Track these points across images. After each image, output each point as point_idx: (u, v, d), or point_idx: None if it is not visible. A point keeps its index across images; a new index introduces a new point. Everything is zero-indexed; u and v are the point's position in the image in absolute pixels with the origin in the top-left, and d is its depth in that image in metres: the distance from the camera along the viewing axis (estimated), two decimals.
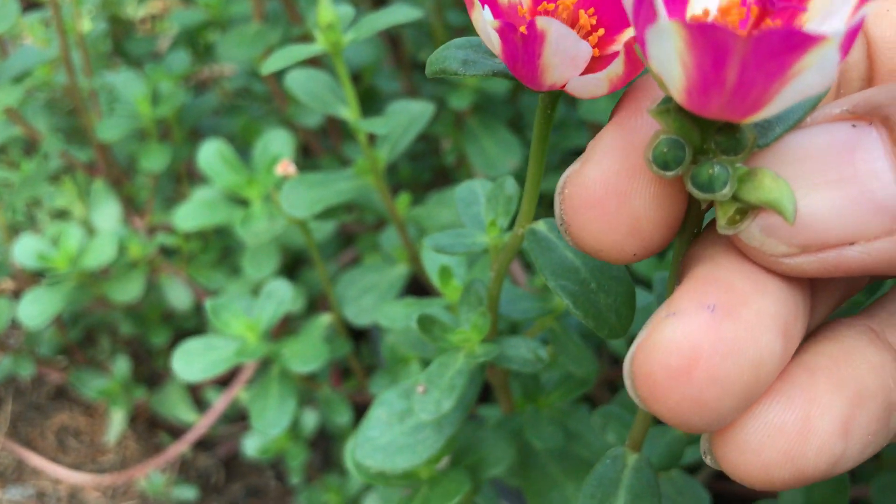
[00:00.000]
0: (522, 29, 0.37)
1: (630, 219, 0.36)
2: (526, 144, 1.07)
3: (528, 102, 1.11)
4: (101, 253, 1.10)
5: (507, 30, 0.37)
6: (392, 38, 1.29)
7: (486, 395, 0.99)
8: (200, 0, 1.29)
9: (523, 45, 0.37)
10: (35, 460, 1.32)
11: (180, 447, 1.25)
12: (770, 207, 0.32)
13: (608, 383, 1.03)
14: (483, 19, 0.37)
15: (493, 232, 0.57)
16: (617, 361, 1.07)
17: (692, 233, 0.39)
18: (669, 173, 0.33)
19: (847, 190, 0.32)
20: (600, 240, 0.36)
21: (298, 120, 1.12)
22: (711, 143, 0.34)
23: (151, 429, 1.43)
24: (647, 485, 0.48)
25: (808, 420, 0.34)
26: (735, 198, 0.33)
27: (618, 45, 0.41)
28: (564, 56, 0.37)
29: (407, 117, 0.81)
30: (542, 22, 0.35)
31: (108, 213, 1.19)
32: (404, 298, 0.75)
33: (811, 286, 0.38)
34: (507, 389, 0.73)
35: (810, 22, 0.34)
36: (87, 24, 1.37)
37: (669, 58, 0.29)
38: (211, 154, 0.99)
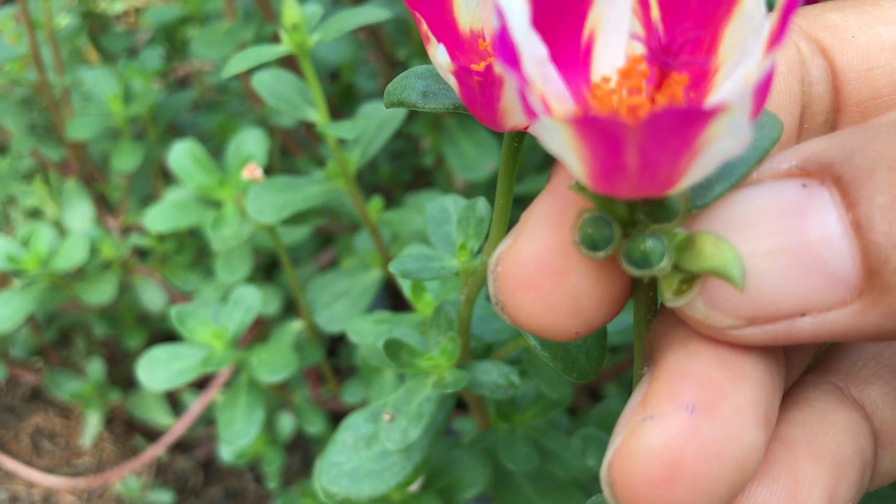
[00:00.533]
0: (481, 66, 0.35)
1: (569, 298, 0.33)
2: None
3: None
4: (72, 254, 1.07)
5: (462, 73, 0.35)
6: (375, 35, 1.27)
7: (461, 404, 0.97)
8: None
9: (480, 88, 0.35)
10: (9, 464, 1.30)
11: (156, 450, 1.23)
12: (716, 275, 0.30)
13: (590, 390, 1.01)
14: (438, 59, 0.35)
15: (464, 256, 0.54)
16: None
17: (647, 303, 0.36)
18: (600, 254, 0.31)
19: (798, 258, 0.30)
20: (538, 321, 0.34)
21: (274, 120, 1.09)
22: (640, 213, 0.31)
23: (128, 431, 1.41)
24: None
25: (795, 500, 0.33)
26: (677, 268, 0.31)
27: None
28: None
29: (379, 119, 0.79)
30: (500, 67, 0.33)
31: (80, 213, 1.17)
32: (375, 313, 0.72)
33: (784, 350, 0.36)
34: (482, 407, 0.71)
35: (724, 65, 0.32)
36: (62, 19, 1.34)
37: (563, 151, 0.27)
38: (182, 154, 0.96)
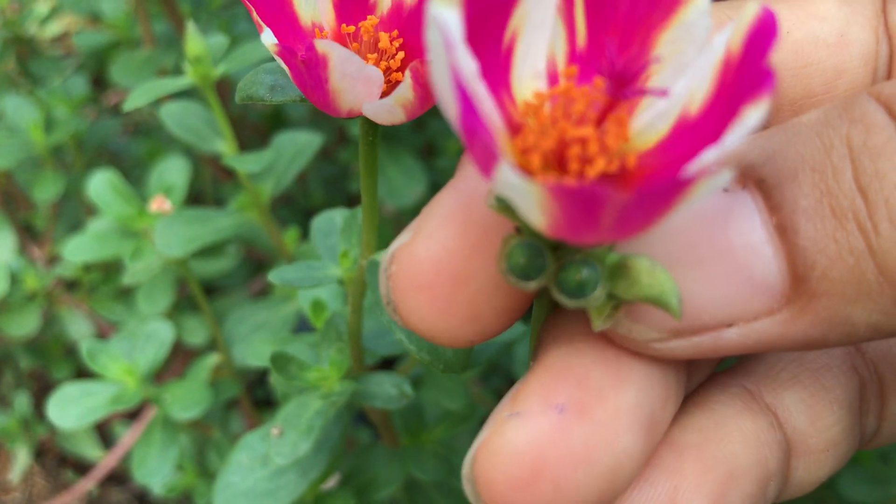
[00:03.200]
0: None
1: (467, 306, 0.31)
2: (433, 172, 1.05)
3: (437, 129, 1.08)
4: None
5: (286, 54, 0.34)
6: None
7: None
8: (106, 20, 1.25)
9: (307, 69, 0.35)
10: None
11: (87, 484, 1.21)
12: (653, 304, 0.28)
13: None
14: (265, 42, 0.35)
15: (346, 263, 0.53)
16: (513, 382, 1.04)
17: (548, 308, 0.34)
18: (532, 284, 0.29)
19: (721, 267, 0.29)
20: (432, 326, 0.31)
21: (199, 147, 1.08)
22: None
23: (60, 464, 1.37)
24: None
25: None
26: (611, 296, 0.29)
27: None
28: (353, 80, 0.35)
29: (293, 149, 0.78)
30: (321, 45, 0.33)
31: (2, 243, 1.14)
32: (277, 335, 0.71)
33: None
34: (389, 426, 0.71)
35: (661, 74, 0.30)
36: None
37: (528, 206, 0.25)
38: (101, 184, 0.94)
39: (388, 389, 0.57)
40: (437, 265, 0.30)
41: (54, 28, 1.75)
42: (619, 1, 0.30)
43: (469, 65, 0.26)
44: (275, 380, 0.71)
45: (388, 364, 0.80)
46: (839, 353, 0.39)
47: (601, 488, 0.28)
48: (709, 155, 0.24)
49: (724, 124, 0.26)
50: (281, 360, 0.55)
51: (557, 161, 0.29)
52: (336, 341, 0.56)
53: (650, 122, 0.30)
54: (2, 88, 1.33)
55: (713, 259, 0.29)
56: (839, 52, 0.41)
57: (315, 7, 0.39)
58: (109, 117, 1.41)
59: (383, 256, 0.33)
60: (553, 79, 0.32)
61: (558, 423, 0.28)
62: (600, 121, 0.29)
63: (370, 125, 0.40)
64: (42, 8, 1.45)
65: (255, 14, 0.35)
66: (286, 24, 0.38)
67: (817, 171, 0.28)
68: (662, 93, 0.29)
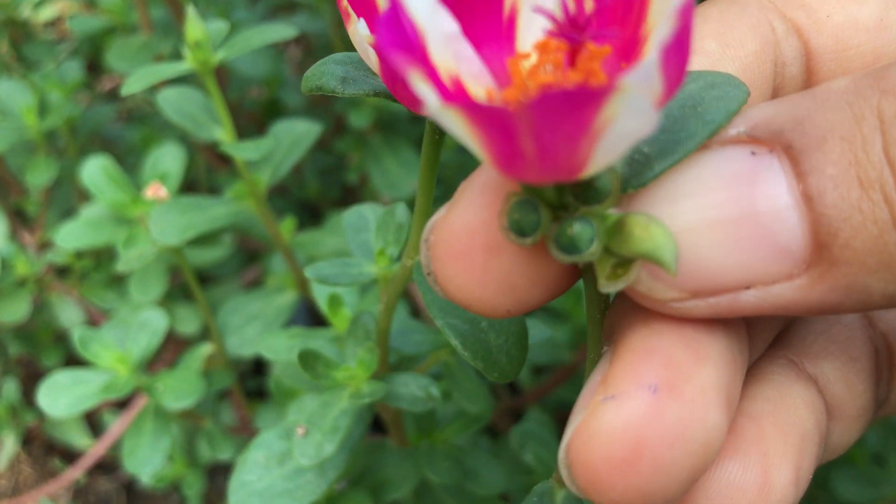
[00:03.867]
0: None
1: (501, 275, 0.32)
2: None
3: None
4: None
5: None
6: (305, 49, 1.25)
7: (378, 425, 0.95)
8: (101, 4, 1.24)
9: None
10: None
11: (74, 473, 1.20)
12: (647, 259, 0.28)
13: (512, 412, 1.00)
14: (359, 34, 0.34)
15: (382, 262, 0.53)
16: (517, 391, 1.04)
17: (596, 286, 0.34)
18: (528, 240, 0.30)
19: (746, 231, 0.29)
20: (468, 294, 0.32)
21: (196, 134, 1.07)
22: (569, 196, 0.30)
23: (48, 452, 1.36)
24: None
25: (766, 476, 0.33)
26: (609, 252, 0.30)
27: None
28: None
29: (291, 138, 0.77)
30: (383, 53, 0.32)
31: None
32: (289, 329, 0.71)
33: (747, 325, 0.35)
34: (400, 425, 0.70)
35: (653, 32, 0.30)
36: None
37: (462, 137, 0.26)
38: (95, 171, 0.93)
39: (414, 391, 0.56)
40: (471, 235, 0.31)
41: (48, 12, 1.73)
42: None
43: (445, 22, 0.28)
44: (279, 375, 0.70)
45: None
46: (858, 326, 0.40)
47: (696, 464, 0.29)
48: (627, 72, 0.24)
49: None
50: (308, 358, 0.54)
51: None
52: (365, 340, 0.55)
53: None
54: None
55: (736, 222, 0.29)
56: (878, 36, 0.41)
57: None
58: (104, 103, 1.40)
59: (424, 229, 0.34)
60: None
61: (653, 402, 0.29)
62: (571, 67, 0.30)
63: (440, 139, 0.40)
64: None
65: (343, 2, 0.35)
66: (366, 10, 0.37)
67: (846, 139, 0.28)
68: (607, 37, 0.29)
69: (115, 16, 1.24)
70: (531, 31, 0.32)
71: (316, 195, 1.18)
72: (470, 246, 0.31)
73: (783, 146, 0.29)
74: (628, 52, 0.31)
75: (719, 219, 0.29)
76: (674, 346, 0.31)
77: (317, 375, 0.56)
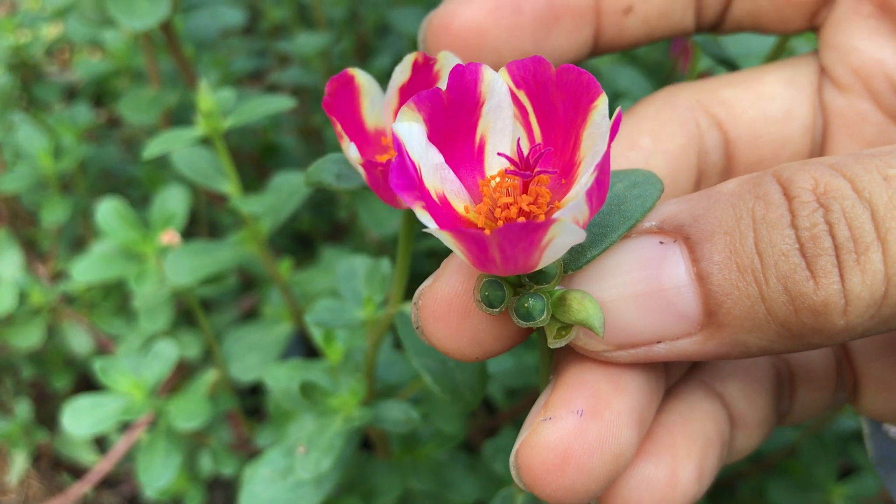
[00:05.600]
0: (383, 159, 0.45)
1: (470, 332, 0.42)
2: None
3: None
4: (0, 302, 1.13)
5: (369, 166, 0.44)
6: (295, 94, 1.35)
7: (366, 443, 1.05)
8: (107, 50, 1.34)
9: (383, 177, 0.45)
10: None
11: (82, 487, 1.28)
12: (582, 325, 0.38)
13: (488, 430, 1.10)
14: (351, 155, 0.45)
15: (370, 308, 0.64)
16: (492, 411, 1.14)
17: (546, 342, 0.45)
18: (495, 310, 0.40)
19: (655, 301, 0.39)
20: (447, 345, 0.42)
21: (205, 186, 1.16)
22: (525, 278, 0.40)
23: (55, 468, 1.45)
24: None
25: (675, 472, 0.44)
26: (555, 319, 0.40)
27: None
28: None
29: (289, 188, 0.87)
30: (398, 194, 0.42)
31: (10, 261, 1.22)
32: (289, 360, 0.80)
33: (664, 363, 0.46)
34: (385, 443, 0.80)
35: (584, 159, 0.40)
36: None
37: (451, 246, 0.36)
38: (108, 211, 1.03)
39: (396, 414, 0.66)
40: (448, 303, 0.41)
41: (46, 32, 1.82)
42: (557, 109, 0.41)
43: (434, 156, 0.39)
44: (277, 398, 0.80)
45: None
46: None
47: (611, 469, 0.40)
48: (563, 209, 0.35)
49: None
50: (307, 388, 0.65)
51: (493, 219, 0.40)
52: (355, 372, 0.66)
53: (577, 190, 0.41)
54: (6, 111, 1.41)
55: (649, 295, 0.39)
56: (785, 126, 0.53)
57: (378, 116, 0.50)
58: (108, 139, 1.49)
59: (415, 294, 0.44)
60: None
61: (578, 424, 0.40)
62: (524, 192, 0.40)
63: (414, 218, 0.50)
64: (47, 33, 1.53)
65: (338, 127, 0.45)
66: (355, 129, 0.48)
67: (728, 234, 0.37)
68: (549, 171, 0.40)
69: (120, 60, 1.34)
70: (495, 157, 0.43)
71: (308, 228, 1.28)
72: (448, 311, 0.41)
73: (683, 237, 0.39)
74: (566, 172, 0.41)
75: (635, 293, 0.39)
76: (599, 380, 0.41)
77: (314, 402, 0.66)
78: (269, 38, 1.50)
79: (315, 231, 1.30)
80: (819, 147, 0.53)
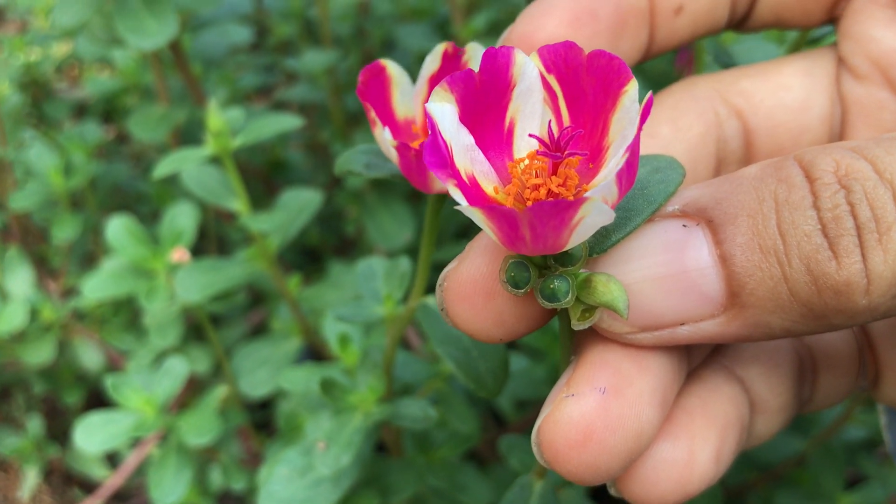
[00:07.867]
0: (416, 144, 0.46)
1: (494, 313, 0.42)
2: (422, 216, 1.15)
3: None
4: (12, 319, 1.14)
5: (403, 149, 0.46)
6: (302, 110, 1.36)
7: (379, 447, 1.05)
8: (117, 68, 1.35)
9: (416, 160, 0.46)
10: None
11: (93, 503, 1.29)
12: (606, 307, 0.39)
13: (495, 444, 1.11)
14: (384, 138, 0.46)
15: (389, 304, 0.65)
16: (502, 423, 1.15)
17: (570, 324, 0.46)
18: (521, 291, 0.40)
19: (678, 283, 0.39)
20: (471, 326, 0.43)
21: (215, 204, 1.18)
22: (551, 259, 0.41)
23: (66, 483, 1.45)
24: None
25: (692, 454, 0.44)
26: (579, 301, 0.40)
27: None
28: None
29: (297, 205, 0.88)
30: (430, 171, 0.43)
31: (21, 278, 1.23)
32: (304, 364, 0.82)
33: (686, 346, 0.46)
34: (400, 446, 0.81)
35: (612, 144, 0.40)
36: (5, 88, 1.41)
37: (481, 224, 0.37)
38: (118, 229, 1.04)
39: (415, 411, 0.67)
40: (473, 284, 0.42)
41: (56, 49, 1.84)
42: (587, 94, 0.41)
43: (465, 136, 0.40)
44: (296, 404, 0.81)
45: None
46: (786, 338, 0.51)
47: (631, 447, 0.40)
48: (598, 178, 0.36)
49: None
50: (328, 385, 0.66)
51: (521, 200, 0.41)
52: (374, 369, 0.67)
53: (605, 173, 0.42)
54: (18, 129, 1.42)
55: (673, 277, 0.40)
56: (802, 115, 0.54)
57: (409, 105, 0.51)
58: (118, 156, 1.51)
59: (440, 276, 0.45)
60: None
61: (601, 401, 0.40)
62: (553, 174, 0.41)
63: (438, 199, 0.51)
64: (57, 51, 1.55)
65: (372, 113, 0.46)
66: (387, 119, 0.49)
67: (751, 216, 0.38)
68: (579, 153, 0.40)
69: (129, 77, 1.35)
70: (524, 140, 0.43)
71: (317, 242, 1.29)
72: (473, 292, 0.42)
73: (706, 220, 0.40)
74: (595, 156, 0.42)
75: (659, 275, 0.40)
76: (622, 359, 0.42)
77: (334, 399, 0.68)
78: (276, 53, 1.51)
79: (323, 245, 1.31)
80: (837, 135, 0.54)
